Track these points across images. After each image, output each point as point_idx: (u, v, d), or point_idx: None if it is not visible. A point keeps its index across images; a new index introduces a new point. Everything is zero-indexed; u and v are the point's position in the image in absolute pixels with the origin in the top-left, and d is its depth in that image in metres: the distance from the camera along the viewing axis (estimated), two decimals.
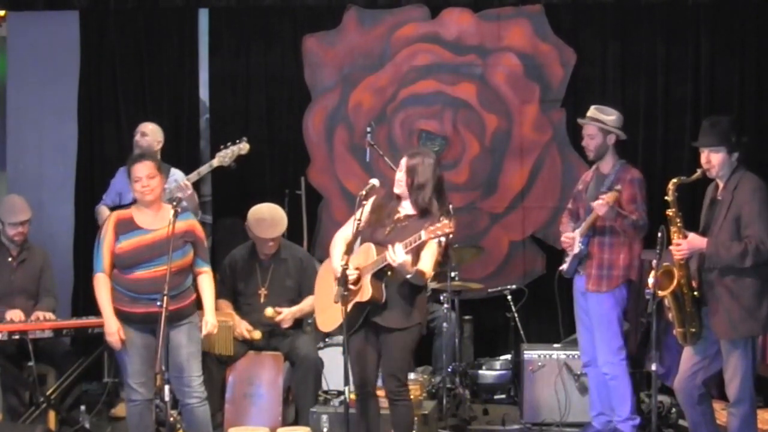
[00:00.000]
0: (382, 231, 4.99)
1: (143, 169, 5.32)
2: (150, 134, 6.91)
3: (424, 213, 4.98)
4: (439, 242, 4.89)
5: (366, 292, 4.88)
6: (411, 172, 5.00)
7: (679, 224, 4.98)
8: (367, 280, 4.89)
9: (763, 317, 4.87)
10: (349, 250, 4.89)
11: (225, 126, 7.97)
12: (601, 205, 5.65)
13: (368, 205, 5.11)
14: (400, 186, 5.05)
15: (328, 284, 5.06)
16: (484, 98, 7.88)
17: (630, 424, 5.87)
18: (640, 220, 5.72)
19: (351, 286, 4.86)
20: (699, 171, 5.03)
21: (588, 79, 7.79)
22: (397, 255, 4.73)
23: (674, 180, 5.04)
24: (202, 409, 5.40)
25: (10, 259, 6.42)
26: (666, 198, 5.02)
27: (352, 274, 4.86)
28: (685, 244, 4.91)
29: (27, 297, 6.40)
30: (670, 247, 4.96)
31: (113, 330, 5.26)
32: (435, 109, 7.92)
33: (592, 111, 5.97)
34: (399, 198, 5.09)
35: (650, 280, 4.99)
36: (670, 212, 5.00)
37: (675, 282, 4.91)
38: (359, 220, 4.94)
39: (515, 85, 7.85)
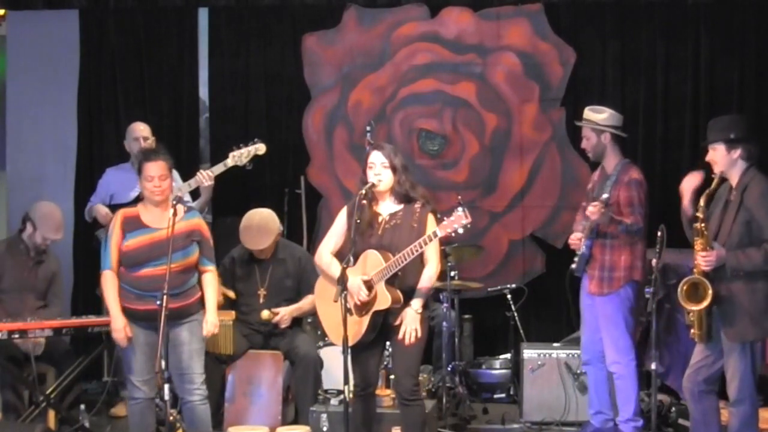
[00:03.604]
0: (374, 237, 4.96)
1: (156, 169, 5.29)
2: (150, 136, 6.90)
3: (406, 201, 4.98)
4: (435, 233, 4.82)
5: (385, 300, 4.85)
6: (392, 166, 4.98)
7: (706, 235, 4.98)
8: (381, 287, 4.86)
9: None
10: (349, 249, 4.87)
11: (225, 125, 7.98)
12: (592, 212, 5.66)
13: (342, 219, 5.11)
14: (384, 181, 4.99)
15: (329, 300, 4.99)
16: (483, 97, 7.87)
17: (632, 425, 5.84)
18: (634, 224, 5.69)
19: (365, 297, 4.86)
20: (715, 176, 5.04)
21: (587, 78, 7.78)
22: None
23: (704, 196, 5.02)
24: (203, 408, 5.40)
25: (26, 257, 6.46)
26: (697, 214, 5.00)
27: (364, 284, 4.86)
28: (714, 255, 4.90)
29: (36, 296, 6.45)
30: (697, 259, 4.96)
31: (120, 326, 5.25)
32: (434, 108, 7.91)
33: (585, 112, 5.98)
34: (373, 201, 5.04)
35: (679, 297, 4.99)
36: (699, 225, 4.99)
37: (710, 297, 4.91)
38: (359, 219, 4.92)
39: (515, 84, 7.84)
